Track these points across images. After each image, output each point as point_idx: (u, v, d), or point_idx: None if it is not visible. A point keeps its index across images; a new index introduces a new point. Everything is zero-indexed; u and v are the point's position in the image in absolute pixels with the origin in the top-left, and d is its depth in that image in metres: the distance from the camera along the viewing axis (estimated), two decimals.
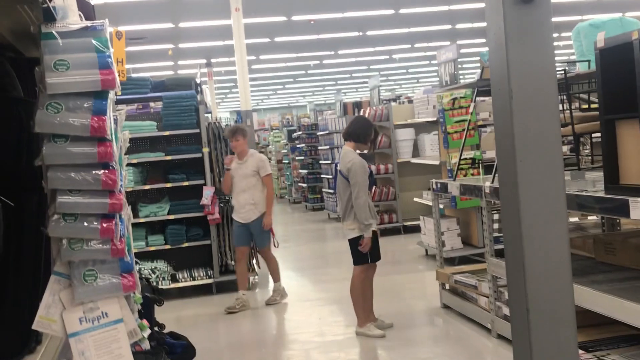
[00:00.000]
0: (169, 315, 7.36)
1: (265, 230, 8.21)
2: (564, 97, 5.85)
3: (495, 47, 3.33)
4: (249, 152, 8.31)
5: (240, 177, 8.19)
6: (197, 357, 5.97)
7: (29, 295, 2.22)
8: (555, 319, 3.25)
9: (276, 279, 8.50)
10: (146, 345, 4.48)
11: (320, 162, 17.52)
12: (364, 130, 6.74)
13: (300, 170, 19.52)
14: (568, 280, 3.26)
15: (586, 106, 6.83)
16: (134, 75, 10.56)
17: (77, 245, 2.06)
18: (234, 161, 8.30)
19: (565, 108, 5.80)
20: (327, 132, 16.04)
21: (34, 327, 2.08)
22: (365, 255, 6.58)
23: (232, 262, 9.24)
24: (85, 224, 2.05)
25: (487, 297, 6.39)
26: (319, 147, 17.46)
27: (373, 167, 12.20)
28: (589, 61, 6.19)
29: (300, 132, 19.57)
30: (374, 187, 12.02)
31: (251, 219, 8.17)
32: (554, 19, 3.42)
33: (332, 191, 15.29)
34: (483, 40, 21.66)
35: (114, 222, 2.08)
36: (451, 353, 6.16)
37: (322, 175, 17.53)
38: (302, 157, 19.11)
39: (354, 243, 6.62)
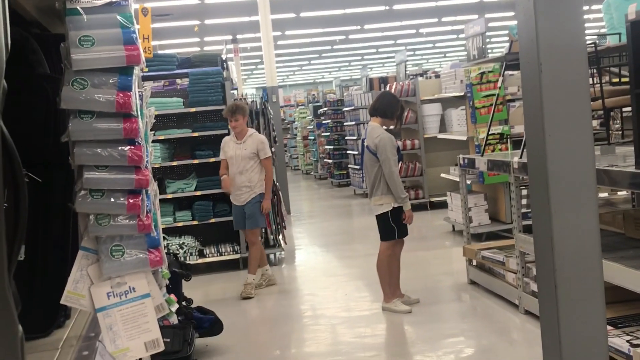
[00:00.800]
0: (197, 290, 7.43)
1: (258, 213, 7.86)
2: (594, 70, 5.77)
3: (524, 20, 3.28)
4: (248, 131, 7.87)
5: (238, 158, 7.75)
6: (224, 332, 6.04)
7: (57, 271, 2.24)
8: (583, 295, 3.23)
9: (253, 270, 7.94)
10: (174, 320, 4.54)
11: (346, 138, 17.48)
12: (390, 106, 6.71)
13: (326, 146, 19.50)
14: (597, 256, 3.23)
15: (617, 80, 6.73)
16: (160, 52, 10.57)
17: (104, 221, 2.07)
18: (231, 140, 7.89)
19: (595, 82, 5.72)
20: (353, 107, 15.98)
21: (62, 302, 2.10)
22: (392, 231, 6.58)
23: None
24: (112, 199, 2.05)
25: (515, 273, 6.36)
26: (345, 123, 17.41)
27: (399, 143, 12.14)
28: (619, 34, 6.09)
29: (326, 108, 19.52)
30: (400, 162, 12.01)
31: (246, 201, 7.83)
32: None
33: (358, 167, 15.27)
34: (512, 14, 21.37)
35: (140, 198, 2.09)
36: (478, 329, 6.15)
37: (348, 151, 17.50)
38: (328, 133, 19.08)
39: (382, 219, 6.62)
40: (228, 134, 8.90)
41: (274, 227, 9.33)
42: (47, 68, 2.35)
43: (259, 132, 9.36)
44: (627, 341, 4.49)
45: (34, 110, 2.21)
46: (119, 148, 2.05)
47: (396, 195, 6.47)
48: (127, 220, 2.09)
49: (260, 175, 7.84)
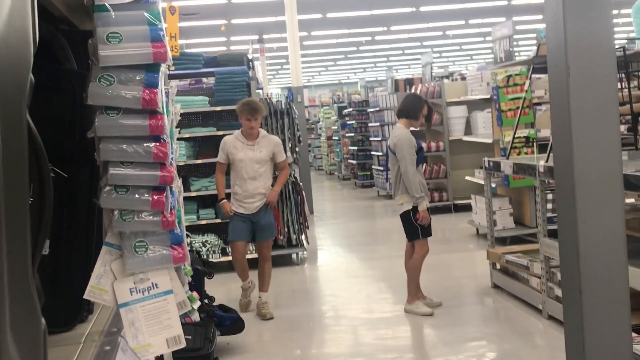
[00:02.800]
0: (219, 288, 7.46)
1: (273, 222, 7.18)
2: (623, 75, 5.70)
3: (552, 23, 3.26)
4: (260, 132, 6.98)
5: (250, 161, 6.84)
6: (245, 330, 6.06)
7: (81, 266, 2.26)
8: (608, 300, 3.20)
9: (267, 288, 7.11)
10: (196, 317, 4.56)
11: (371, 139, 17.45)
12: (413, 107, 6.73)
13: (350, 147, 19.48)
14: (623, 261, 3.19)
15: None
16: (187, 50, 10.63)
17: (129, 217, 2.08)
18: (237, 140, 6.93)
19: (623, 86, 5.66)
20: (377, 108, 15.95)
21: (85, 296, 2.11)
22: (416, 231, 6.57)
23: (281, 237, 9.26)
24: (137, 195, 2.06)
25: (539, 277, 6.31)
26: (370, 124, 17.39)
27: (424, 145, 12.10)
28: None
29: (350, 109, 19.51)
30: (424, 164, 11.96)
31: (258, 208, 6.92)
32: None
33: (382, 168, 15.24)
34: (539, 17, 21.21)
35: (164, 195, 2.10)
36: (501, 333, 6.11)
37: (372, 152, 17.47)
38: (352, 134, 19.06)
39: (405, 218, 6.61)
40: None
41: (296, 227, 9.32)
42: (75, 64, 2.36)
43: (284, 133, 9.37)
44: None
45: (61, 106, 2.22)
46: (145, 144, 2.06)
47: (411, 194, 6.48)
48: (151, 217, 2.10)
49: (271, 181, 7.05)
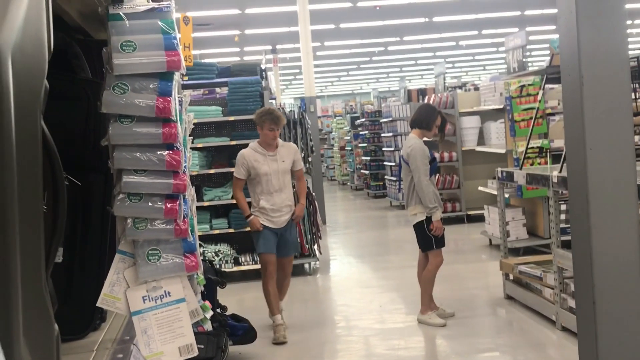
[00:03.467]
0: (231, 298, 7.46)
1: (297, 238, 6.93)
2: (637, 85, 5.69)
3: (566, 33, 3.25)
4: (279, 141, 6.67)
5: (276, 173, 6.46)
6: (257, 340, 6.05)
7: (95, 273, 2.27)
8: (622, 312, 3.18)
9: (282, 297, 6.91)
10: (208, 327, 4.55)
11: (383, 149, 17.44)
12: (427, 117, 6.72)
13: (363, 157, 19.48)
14: (637, 272, 3.17)
15: None
16: (200, 61, 10.67)
17: (142, 225, 2.09)
18: (257, 153, 6.52)
19: (637, 96, 5.64)
20: (390, 119, 15.95)
21: (98, 304, 2.12)
22: (430, 241, 6.54)
23: None
24: (150, 203, 2.07)
25: (552, 288, 6.28)
26: (382, 134, 17.39)
27: (437, 155, 12.07)
28: None
29: (363, 119, 19.52)
30: (437, 174, 11.92)
31: (287, 222, 6.56)
32: (627, 5, 3.32)
33: (394, 178, 15.22)
34: (552, 27, 21.17)
35: (177, 203, 2.10)
36: (513, 344, 6.07)
37: (384, 163, 17.46)
38: (365, 144, 19.07)
39: (419, 229, 6.59)
40: None
41: (308, 237, 9.32)
42: (89, 73, 2.38)
43: (297, 143, 9.37)
44: None
45: (75, 114, 2.24)
46: (158, 152, 2.07)
47: (424, 204, 6.45)
48: (164, 225, 2.11)
49: (292, 191, 6.77)
